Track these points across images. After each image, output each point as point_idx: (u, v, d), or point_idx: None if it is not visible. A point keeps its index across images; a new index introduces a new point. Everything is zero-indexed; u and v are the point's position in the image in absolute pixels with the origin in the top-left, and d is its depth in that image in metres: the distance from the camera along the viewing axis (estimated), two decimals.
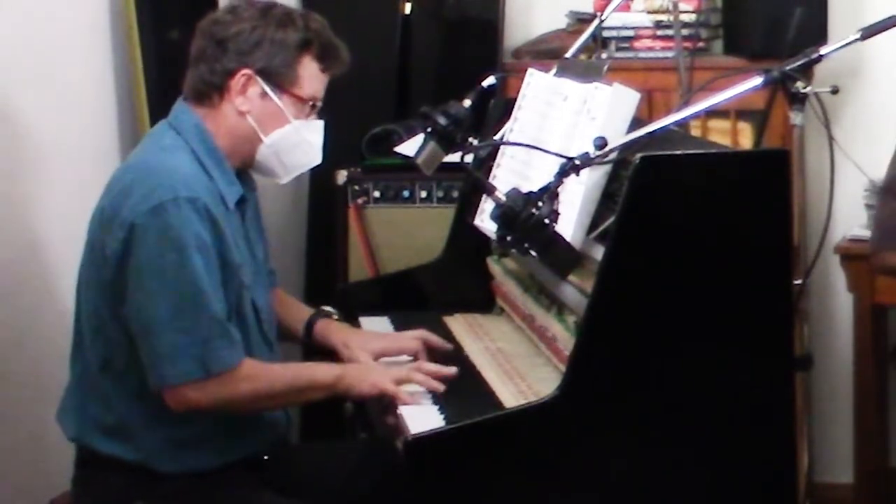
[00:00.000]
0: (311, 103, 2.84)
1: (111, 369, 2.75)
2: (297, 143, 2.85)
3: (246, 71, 2.78)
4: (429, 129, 3.05)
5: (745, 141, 4.07)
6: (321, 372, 2.80)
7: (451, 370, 2.79)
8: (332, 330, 3.05)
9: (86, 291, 2.79)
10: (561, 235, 2.54)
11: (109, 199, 2.74)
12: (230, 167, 2.82)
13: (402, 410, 2.70)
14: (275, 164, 2.86)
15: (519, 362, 2.93)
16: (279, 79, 2.80)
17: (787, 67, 2.63)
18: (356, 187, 3.97)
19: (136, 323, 2.67)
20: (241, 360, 2.71)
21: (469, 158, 2.95)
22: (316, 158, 2.91)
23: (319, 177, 4.17)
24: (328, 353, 3.02)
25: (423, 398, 2.75)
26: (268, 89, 2.79)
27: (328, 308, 3.11)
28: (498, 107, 3.39)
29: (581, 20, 4.31)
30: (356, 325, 3.27)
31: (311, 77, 2.83)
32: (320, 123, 2.88)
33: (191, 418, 2.73)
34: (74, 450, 2.85)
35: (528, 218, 2.49)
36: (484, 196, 3.06)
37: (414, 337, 2.99)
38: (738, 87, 2.63)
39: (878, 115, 4.33)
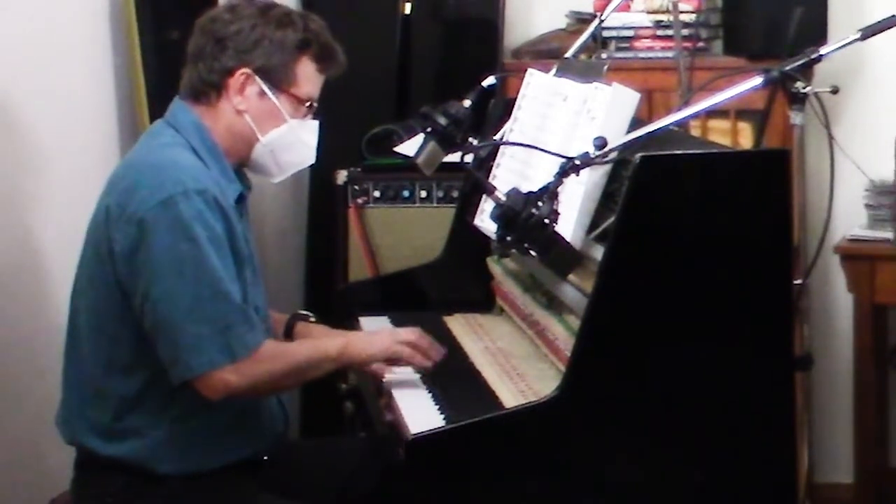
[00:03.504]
0: (307, 103, 2.84)
1: (113, 369, 2.74)
2: (292, 143, 2.85)
3: (245, 70, 2.78)
4: (429, 129, 3.05)
5: (745, 141, 4.07)
6: (328, 344, 2.83)
7: (442, 351, 2.84)
8: (312, 331, 3.05)
9: (86, 292, 2.77)
10: (561, 235, 2.54)
11: (114, 196, 2.72)
12: (228, 165, 2.82)
13: (400, 406, 2.71)
14: (270, 163, 2.86)
15: (519, 362, 2.93)
16: (277, 78, 2.80)
17: (787, 67, 2.63)
18: (356, 187, 3.97)
19: (154, 318, 2.65)
20: (263, 340, 2.72)
21: (469, 158, 2.95)
22: (310, 158, 2.91)
23: (319, 177, 4.17)
24: None
25: (423, 398, 2.76)
26: (266, 88, 2.79)
27: (304, 311, 3.11)
28: (498, 107, 3.39)
29: (581, 20, 4.31)
30: (356, 325, 3.27)
31: (309, 77, 2.83)
32: (315, 124, 2.88)
33: (190, 418, 2.73)
34: (74, 452, 2.85)
35: (528, 218, 2.49)
36: (484, 196, 3.06)
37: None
38: (738, 87, 2.62)
39: (878, 115, 4.33)
